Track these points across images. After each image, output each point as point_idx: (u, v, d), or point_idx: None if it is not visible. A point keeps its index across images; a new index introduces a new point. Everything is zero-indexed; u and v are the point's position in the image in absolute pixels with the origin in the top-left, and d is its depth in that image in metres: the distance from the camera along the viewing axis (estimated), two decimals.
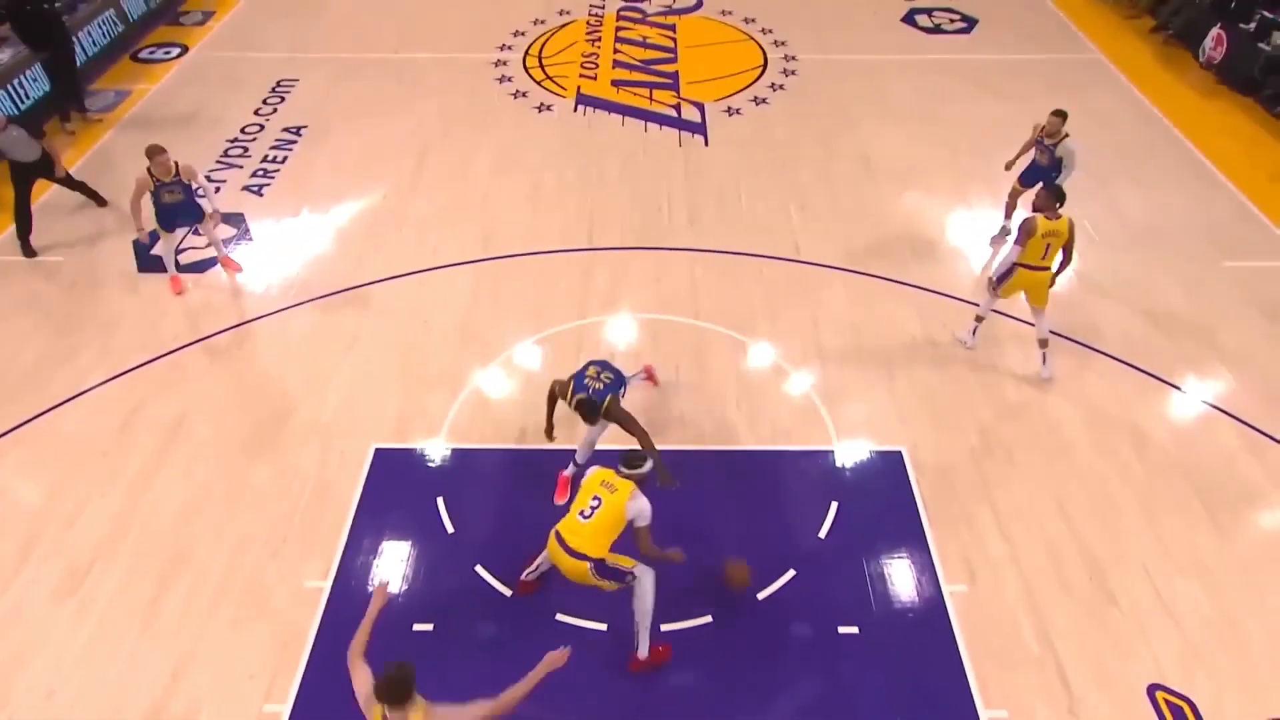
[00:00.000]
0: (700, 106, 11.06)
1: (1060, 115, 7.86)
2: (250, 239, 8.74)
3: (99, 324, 7.64)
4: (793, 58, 12.21)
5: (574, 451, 6.09)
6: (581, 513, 4.76)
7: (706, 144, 10.34)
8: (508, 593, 5.51)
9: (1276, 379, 7.15)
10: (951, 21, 13.28)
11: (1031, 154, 8.19)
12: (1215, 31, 11.64)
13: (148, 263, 8.29)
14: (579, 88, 11.51)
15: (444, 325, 7.62)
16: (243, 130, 10.52)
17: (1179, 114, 10.86)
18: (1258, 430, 6.68)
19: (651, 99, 11.26)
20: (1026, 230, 6.62)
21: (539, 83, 11.64)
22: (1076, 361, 7.30)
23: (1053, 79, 11.60)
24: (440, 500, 6.09)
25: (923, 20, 13.30)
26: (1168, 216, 9.07)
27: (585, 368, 5.82)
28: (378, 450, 6.48)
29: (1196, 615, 5.42)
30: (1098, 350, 7.40)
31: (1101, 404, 6.92)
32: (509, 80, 11.68)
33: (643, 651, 5.04)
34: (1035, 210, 6.73)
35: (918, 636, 5.33)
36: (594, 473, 4.92)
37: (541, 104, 11.14)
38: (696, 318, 7.70)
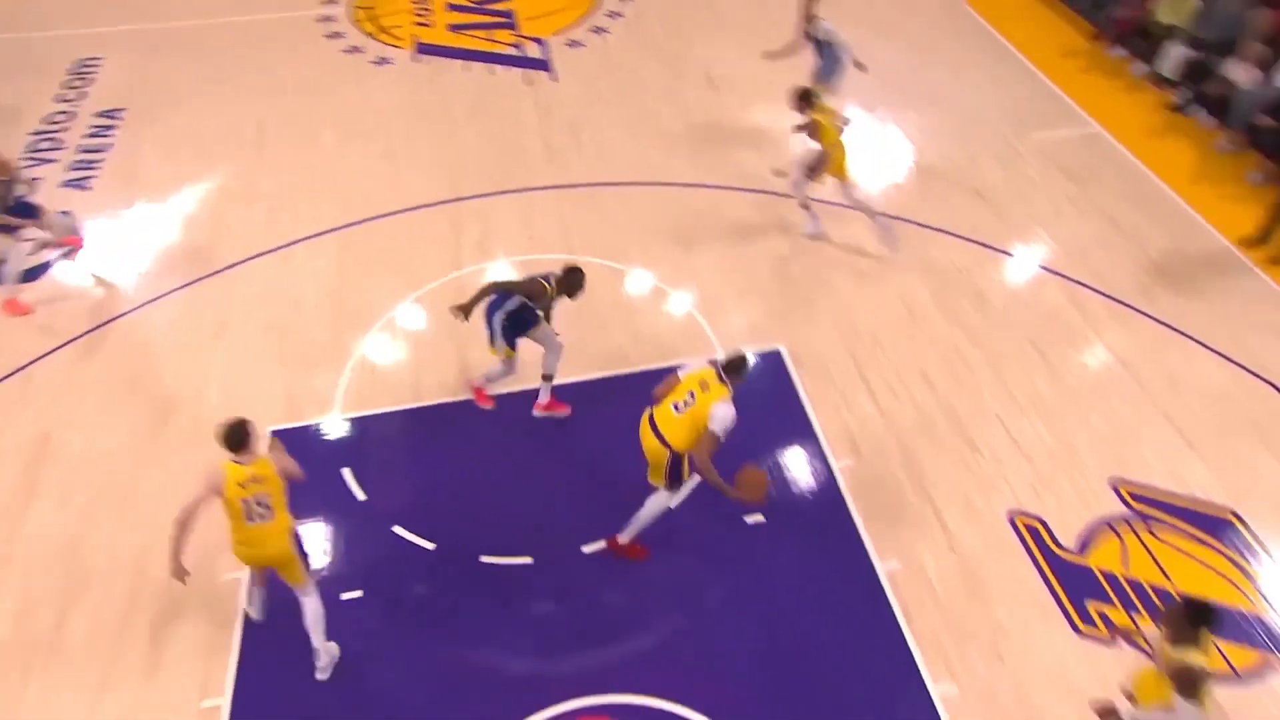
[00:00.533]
0: (542, 42, 10.73)
1: None
2: (81, 236, 7.90)
3: None
4: None
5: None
6: (676, 405, 4.83)
7: (554, 78, 10.08)
8: (430, 546, 5.47)
9: (1084, 233, 7.85)
10: None
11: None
12: None
13: None
14: (415, 37, 10.90)
15: (317, 298, 7.25)
16: (49, 120, 9.41)
17: (977, 1, 11.37)
18: (1075, 281, 7.35)
19: (492, 40, 10.82)
20: (815, 128, 7.10)
21: (372, 36, 10.94)
22: (919, 241, 7.74)
23: None
24: (347, 471, 5.92)
25: None
26: (979, 98, 9.62)
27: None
28: (273, 433, 6.16)
29: (1041, 447, 6.04)
30: (935, 228, 7.87)
31: (946, 277, 7.41)
32: (340, 36, 10.91)
33: (624, 538, 5.30)
34: (804, 110, 7.15)
35: (815, 512, 5.70)
36: (697, 370, 4.90)
37: (380, 58, 10.50)
38: (571, 252, 7.63)
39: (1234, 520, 5.63)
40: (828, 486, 5.82)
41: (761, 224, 7.96)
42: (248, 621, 5.11)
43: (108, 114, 9.50)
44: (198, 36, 10.90)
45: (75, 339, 6.93)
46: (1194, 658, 3.64)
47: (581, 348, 6.73)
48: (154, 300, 7.27)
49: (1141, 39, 9.93)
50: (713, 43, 10.65)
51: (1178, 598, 3.63)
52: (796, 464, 5.97)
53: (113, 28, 11.04)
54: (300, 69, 10.30)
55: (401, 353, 6.81)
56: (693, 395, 4.79)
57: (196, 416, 6.28)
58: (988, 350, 6.75)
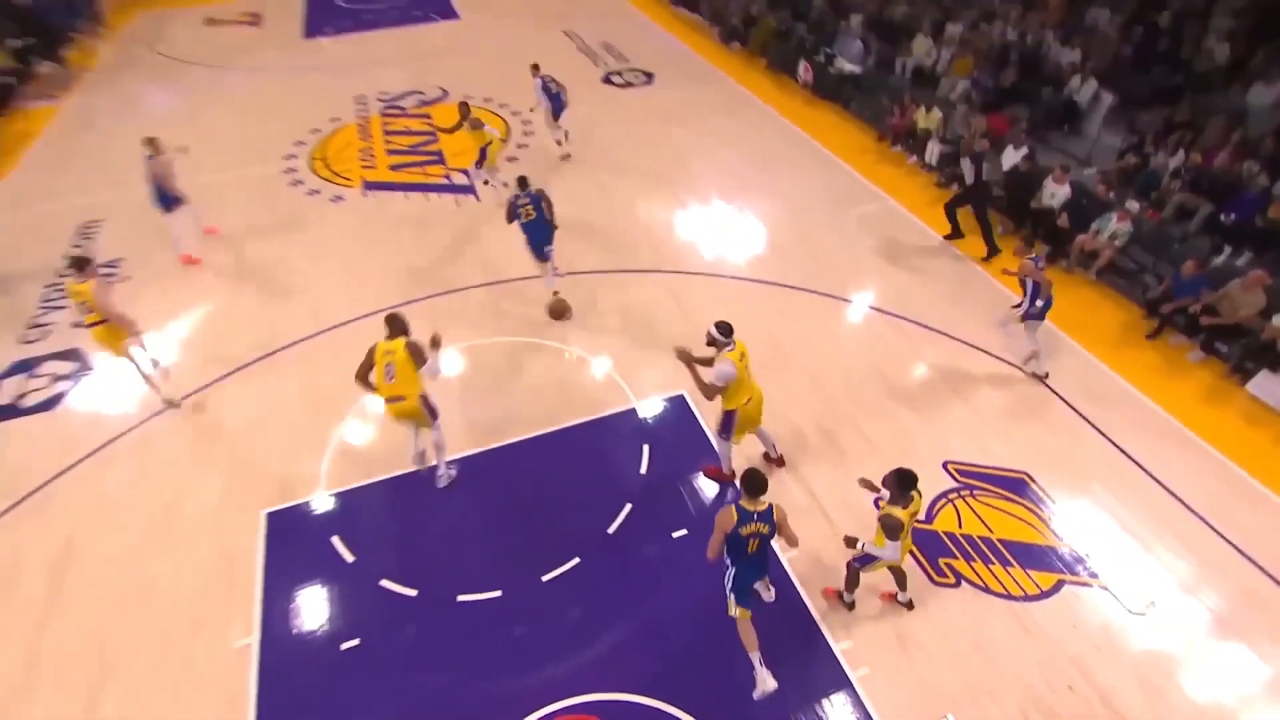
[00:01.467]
0: (466, 172, 10.82)
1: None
2: (90, 369, 7.44)
3: None
4: (529, 122, 12.27)
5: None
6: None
7: (478, 200, 10.17)
8: (413, 593, 5.25)
9: (895, 279, 8.38)
10: (637, 77, 13.97)
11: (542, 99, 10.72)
12: (803, 63, 13.17)
13: None
14: (363, 177, 10.85)
15: (295, 397, 6.98)
16: (60, 274, 8.80)
17: (795, 117, 12.22)
18: (895, 315, 7.81)
19: (425, 173, 10.88)
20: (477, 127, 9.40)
21: (327, 180, 10.82)
22: (780, 297, 8.09)
23: (713, 106, 12.61)
24: (335, 538, 5.66)
25: (616, 80, 13.88)
26: (807, 187, 10.24)
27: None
28: (269, 514, 5.87)
29: (890, 444, 6.32)
30: (790, 286, 8.26)
31: (803, 322, 7.75)
32: (301, 183, 10.75)
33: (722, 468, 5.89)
34: (465, 116, 9.38)
35: None
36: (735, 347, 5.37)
37: (335, 196, 10.37)
38: (502, 334, 7.64)
39: (1026, 479, 6.03)
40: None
41: (655, 296, 8.15)
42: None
43: (110, 264, 8.98)
44: (190, 192, 10.50)
45: (87, 456, 6.44)
46: (898, 513, 4.32)
47: (520, 413, 6.72)
48: (157, 414, 6.84)
49: (911, 139, 10.87)
50: (603, 161, 11.00)
51: (901, 473, 4.39)
52: (707, 483, 6.05)
53: (109, 195, 10.53)
54: (270, 210, 10.05)
55: (371, 433, 6.60)
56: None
57: (201, 509, 5.94)
58: (841, 375, 7.07)
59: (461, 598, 5.21)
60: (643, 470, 6.14)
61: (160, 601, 5.28)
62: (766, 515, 4.31)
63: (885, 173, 10.60)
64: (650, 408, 6.78)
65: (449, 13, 18.13)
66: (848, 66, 12.61)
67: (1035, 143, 9.77)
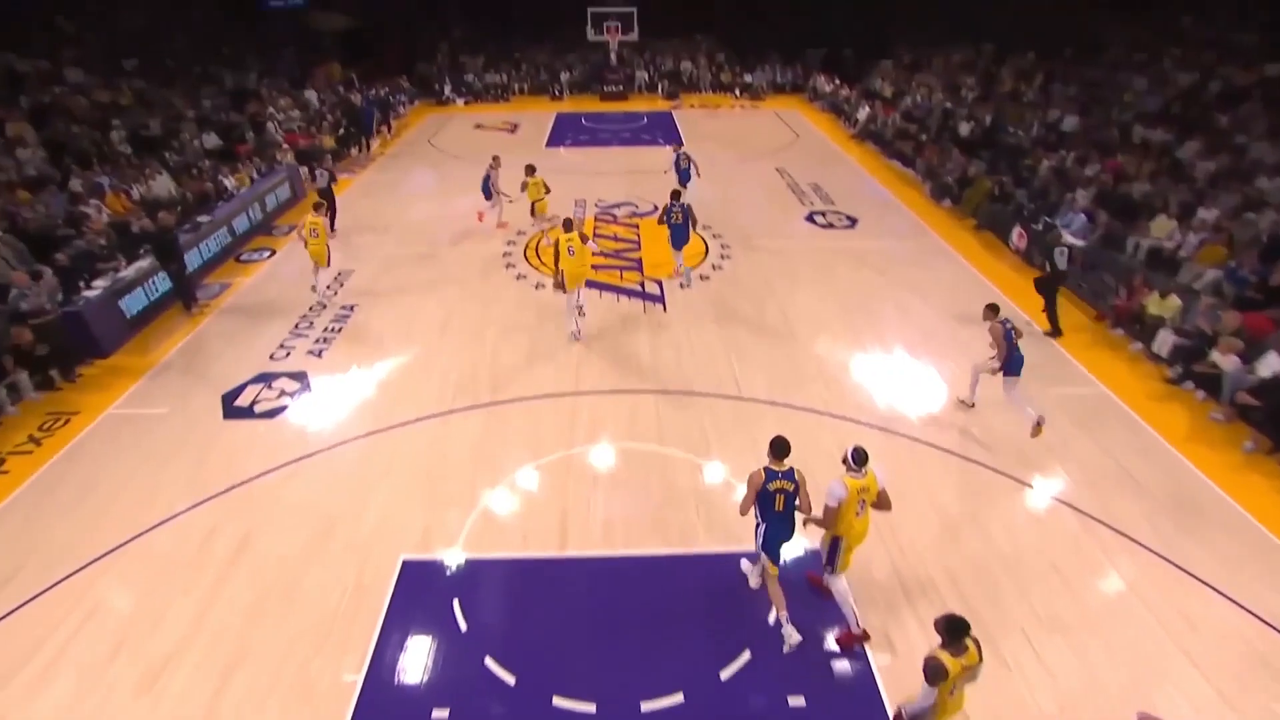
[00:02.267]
0: (659, 282, 11.51)
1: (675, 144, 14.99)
2: (309, 390, 8.67)
3: (189, 461, 7.42)
4: (727, 246, 12.89)
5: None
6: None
7: (664, 310, 10.68)
8: (511, 681, 5.15)
9: (1094, 474, 7.25)
10: (839, 220, 14.24)
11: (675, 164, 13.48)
12: (1018, 229, 12.58)
13: (231, 413, 8.18)
14: None
15: (460, 455, 7.50)
16: (310, 308, 10.66)
17: (1001, 281, 11.55)
18: (1087, 514, 6.72)
19: (621, 277, 11.72)
20: (524, 187, 12.53)
21: (535, 268, 12.08)
22: (953, 466, 7.36)
23: (911, 258, 12.37)
24: (456, 601, 5.81)
25: (819, 220, 14.25)
26: None
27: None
28: (405, 561, 6.21)
29: (1065, 669, 5.26)
30: (966, 458, 7.49)
31: (976, 499, 6.92)
32: (513, 266, 12.11)
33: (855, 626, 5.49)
34: (528, 175, 12.71)
35: (851, 704, 5.06)
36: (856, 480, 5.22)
37: (537, 283, 11.49)
38: (661, 445, 7.69)
39: None
40: (864, 680, 5.21)
41: (816, 435, 7.81)
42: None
43: (346, 308, 10.69)
44: (419, 260, 12.37)
45: (284, 465, 7.37)
46: (946, 659, 3.99)
47: (660, 522, 6.60)
48: (345, 443, 7.72)
49: (1139, 324, 9.72)
50: (790, 293, 11.12)
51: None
52: (838, 655, 5.40)
53: (364, 252, 12.68)
54: (481, 286, 11.39)
55: (516, 507, 6.84)
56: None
57: (353, 537, 6.44)
58: (1012, 569, 6.14)
59: (557, 701, 5.01)
60: (770, 620, 5.66)
61: (299, 609, 5.71)
62: (789, 474, 5.09)
63: (1099, 356, 9.49)
64: (789, 554, 6.31)
65: (677, 140, 20.15)
66: (1069, 239, 11.82)
67: None
